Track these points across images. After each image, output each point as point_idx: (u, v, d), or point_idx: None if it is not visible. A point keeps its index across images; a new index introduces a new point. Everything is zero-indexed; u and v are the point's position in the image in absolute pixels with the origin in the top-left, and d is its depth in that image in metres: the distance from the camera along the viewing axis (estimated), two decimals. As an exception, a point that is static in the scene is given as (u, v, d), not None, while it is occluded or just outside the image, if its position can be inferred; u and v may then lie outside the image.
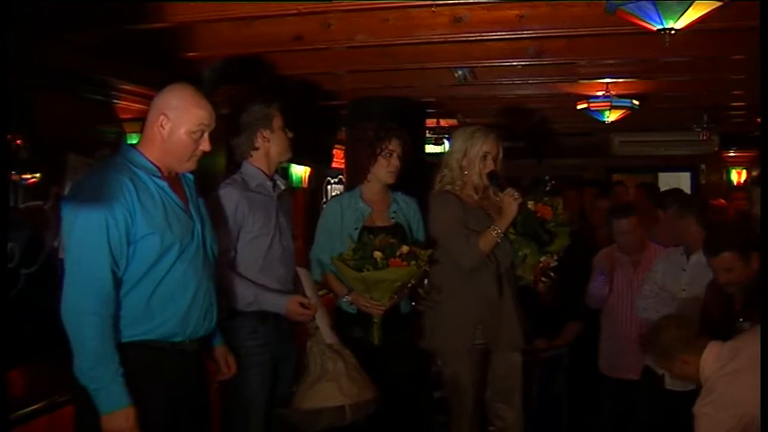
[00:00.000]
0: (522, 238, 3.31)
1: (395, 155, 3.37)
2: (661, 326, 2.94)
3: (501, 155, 3.42)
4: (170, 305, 2.38)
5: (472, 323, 3.37)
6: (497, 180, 3.35)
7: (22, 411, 2.75)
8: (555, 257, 3.36)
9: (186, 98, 2.44)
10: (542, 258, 3.33)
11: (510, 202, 3.27)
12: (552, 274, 3.39)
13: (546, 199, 3.39)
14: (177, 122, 2.41)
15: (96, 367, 2.21)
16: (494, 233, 3.28)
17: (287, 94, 4.50)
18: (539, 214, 3.29)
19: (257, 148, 3.09)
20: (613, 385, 4.24)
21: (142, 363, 2.32)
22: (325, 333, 3.07)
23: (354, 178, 3.62)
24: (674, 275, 3.79)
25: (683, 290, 3.72)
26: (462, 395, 3.43)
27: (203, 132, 2.45)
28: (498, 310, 3.37)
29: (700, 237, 3.40)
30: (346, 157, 6.48)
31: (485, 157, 3.38)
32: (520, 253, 3.34)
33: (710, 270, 3.64)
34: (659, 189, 6.42)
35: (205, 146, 2.47)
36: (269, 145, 3.09)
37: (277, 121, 3.09)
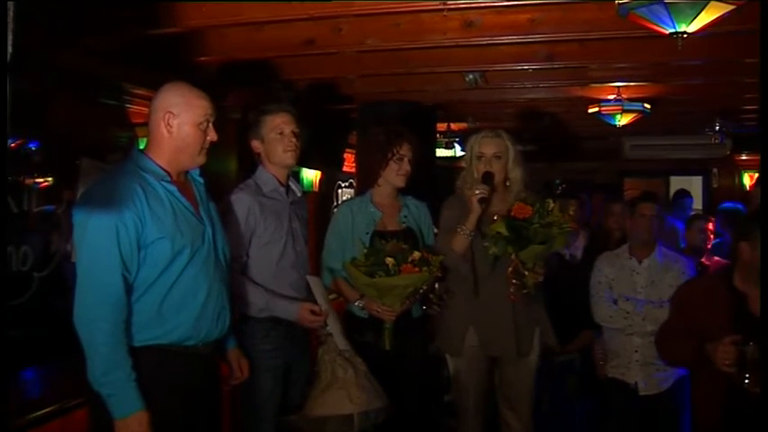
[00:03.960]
0: (496, 238, 3.19)
1: (406, 159, 3.36)
2: None
3: (510, 156, 3.35)
4: (182, 309, 2.38)
5: (463, 324, 3.37)
6: (488, 181, 3.29)
7: (34, 414, 2.76)
8: (537, 264, 3.23)
9: (185, 93, 2.47)
10: (512, 257, 3.19)
11: (472, 200, 3.23)
12: (526, 275, 3.21)
13: (548, 201, 3.26)
14: (183, 117, 2.44)
15: (109, 373, 2.21)
16: (460, 232, 3.26)
17: (295, 98, 4.51)
18: (513, 214, 3.18)
19: (258, 154, 3.14)
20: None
21: (156, 367, 2.32)
22: (338, 339, 3.06)
23: (365, 182, 3.61)
24: (625, 279, 3.78)
25: (640, 292, 3.72)
26: (462, 395, 3.45)
27: (208, 122, 2.49)
28: (496, 314, 3.30)
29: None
30: (357, 161, 6.49)
31: (479, 158, 3.36)
32: (490, 252, 3.21)
33: (667, 273, 3.70)
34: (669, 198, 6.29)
35: (212, 136, 2.50)
36: (264, 152, 3.12)
37: (269, 128, 3.09)
